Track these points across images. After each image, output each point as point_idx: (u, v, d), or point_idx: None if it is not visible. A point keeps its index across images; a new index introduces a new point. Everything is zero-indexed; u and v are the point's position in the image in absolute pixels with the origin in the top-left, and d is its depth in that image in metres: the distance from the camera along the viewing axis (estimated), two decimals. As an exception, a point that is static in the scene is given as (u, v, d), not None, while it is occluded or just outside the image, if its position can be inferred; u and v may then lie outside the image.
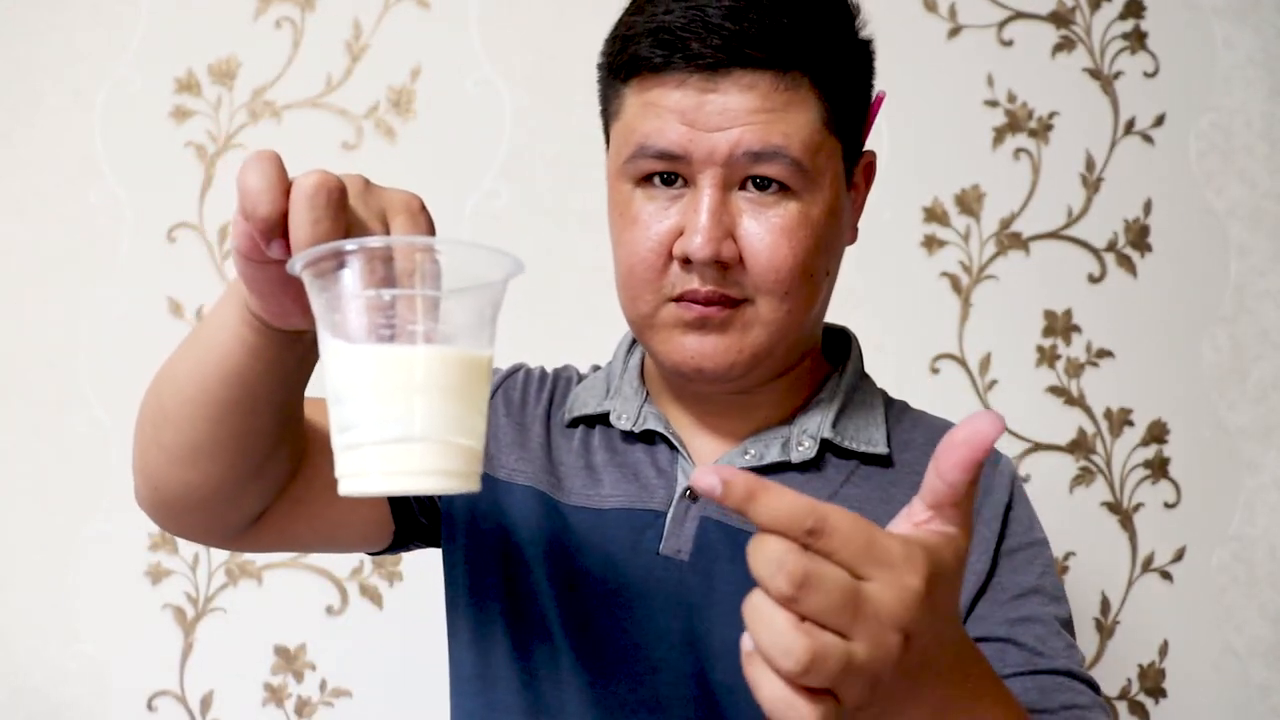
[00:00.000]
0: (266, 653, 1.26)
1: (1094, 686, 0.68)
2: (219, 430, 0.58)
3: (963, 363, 1.32)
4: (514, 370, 0.83)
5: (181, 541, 1.26)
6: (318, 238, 0.45)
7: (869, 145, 0.75)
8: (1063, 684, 0.67)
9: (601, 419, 0.77)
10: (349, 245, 0.43)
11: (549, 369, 0.85)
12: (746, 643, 0.40)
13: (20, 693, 1.25)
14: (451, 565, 0.77)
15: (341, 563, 1.27)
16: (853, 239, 0.75)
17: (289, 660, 1.26)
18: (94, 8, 1.30)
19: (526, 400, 0.81)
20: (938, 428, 0.77)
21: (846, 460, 0.73)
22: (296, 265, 0.45)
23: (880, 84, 0.74)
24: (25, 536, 1.26)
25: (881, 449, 0.72)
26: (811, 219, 0.66)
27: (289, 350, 0.55)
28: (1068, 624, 0.71)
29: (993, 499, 0.72)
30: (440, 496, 0.76)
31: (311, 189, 0.45)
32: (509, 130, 1.30)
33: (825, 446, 0.72)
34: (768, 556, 0.38)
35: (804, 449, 0.71)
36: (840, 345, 0.81)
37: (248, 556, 1.26)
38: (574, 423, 0.78)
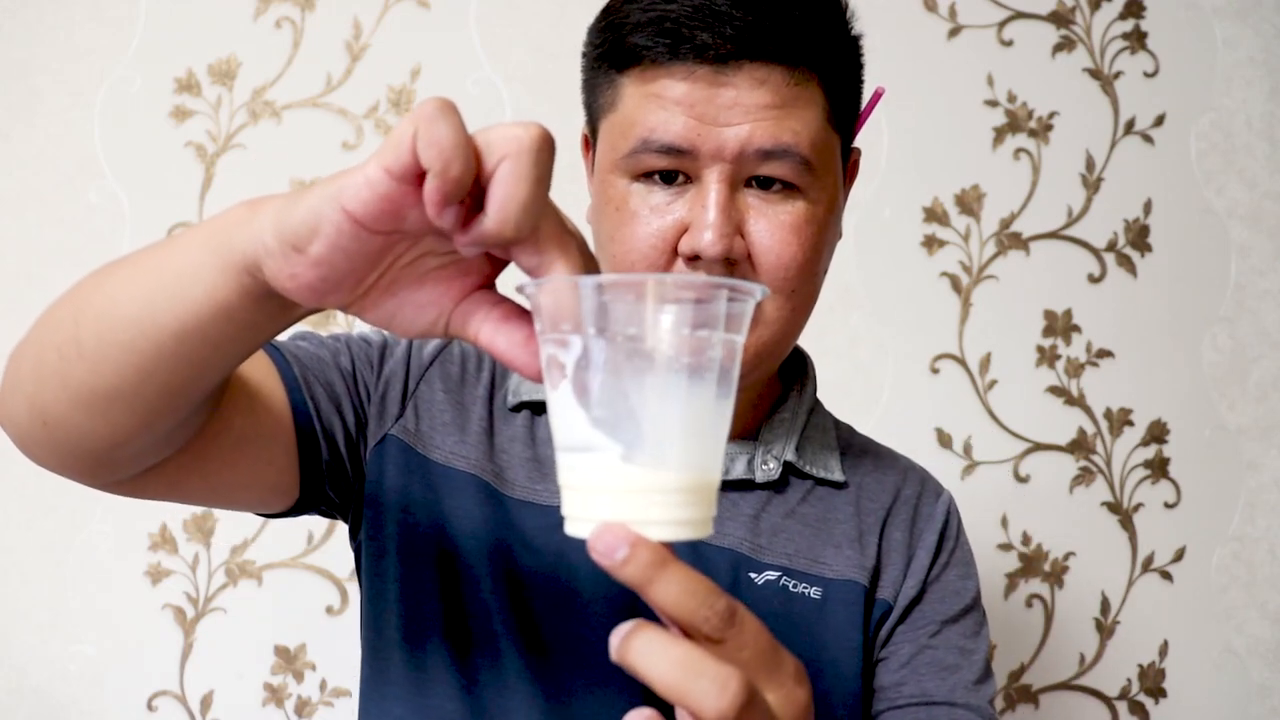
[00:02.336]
0: (266, 653, 1.26)
1: None
2: (149, 382, 0.48)
3: (963, 363, 1.32)
4: (446, 343, 0.76)
5: (181, 541, 1.26)
6: (539, 200, 0.38)
7: (859, 142, 0.75)
8: (959, 717, 0.69)
9: None
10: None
11: None
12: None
13: (20, 693, 1.25)
14: (378, 555, 0.70)
15: (341, 563, 1.27)
16: (840, 236, 0.74)
17: (289, 660, 1.26)
18: (94, 7, 1.30)
19: (465, 377, 0.74)
20: (882, 453, 0.81)
21: (804, 480, 0.74)
22: (593, 282, 0.38)
23: (880, 84, 0.74)
24: (25, 536, 1.26)
25: (838, 476, 0.75)
26: (817, 217, 0.66)
27: (277, 319, 0.47)
28: (983, 657, 0.73)
29: (932, 527, 0.75)
30: (368, 477, 0.70)
31: (540, 140, 0.38)
32: (509, 130, 1.30)
33: (786, 468, 0.73)
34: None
35: (769, 469, 0.72)
36: (794, 363, 0.80)
37: (248, 556, 1.26)
38: (518, 407, 0.73)
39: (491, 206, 0.38)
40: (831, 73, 0.65)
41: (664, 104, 0.62)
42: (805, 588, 0.69)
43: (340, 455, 0.68)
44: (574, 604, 0.67)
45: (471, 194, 0.39)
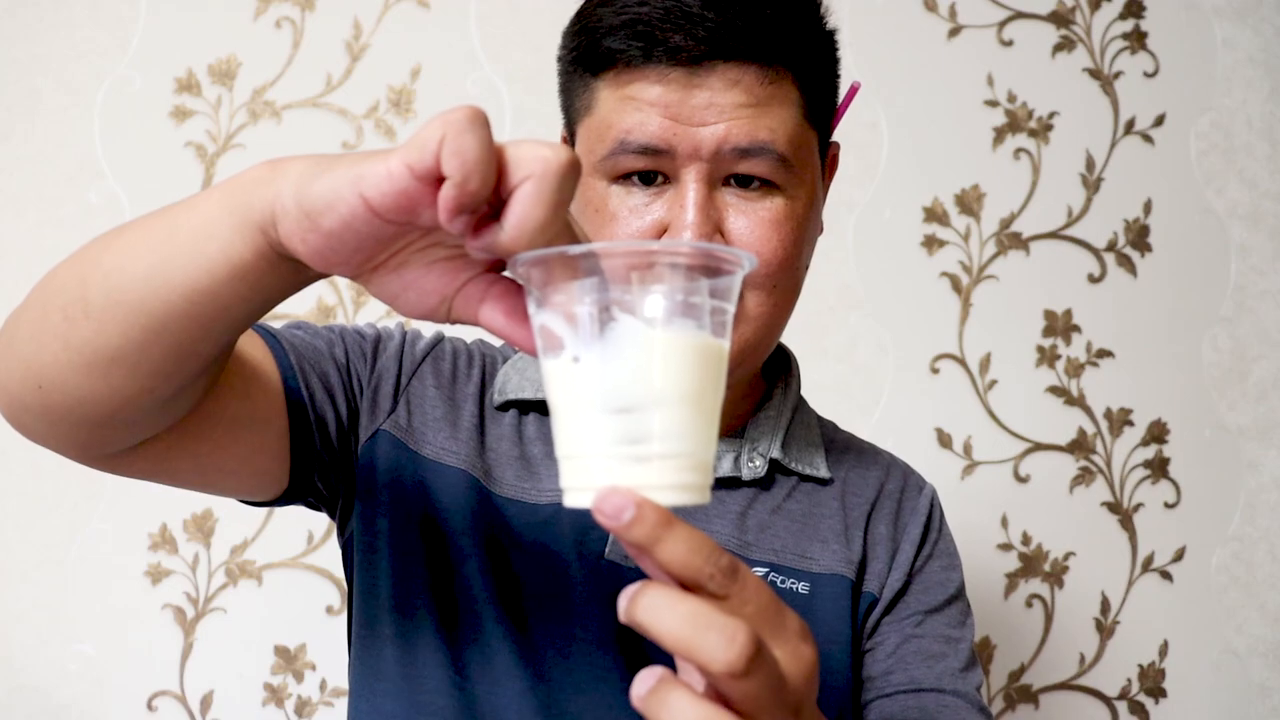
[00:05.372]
0: (266, 653, 1.26)
1: (984, 711, 0.70)
2: (155, 344, 0.48)
3: (963, 363, 1.32)
4: (438, 340, 0.77)
5: (181, 541, 1.26)
6: (556, 224, 0.39)
7: (837, 136, 0.75)
8: (948, 704, 0.69)
9: (537, 406, 0.73)
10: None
11: (468, 341, 0.79)
12: (641, 685, 0.38)
13: (20, 692, 1.25)
14: (369, 549, 0.70)
15: (341, 563, 1.27)
16: (820, 230, 0.74)
17: (289, 660, 1.26)
18: (94, 7, 1.30)
19: (457, 374, 0.75)
20: (865, 449, 0.81)
21: (789, 477, 0.75)
22: (590, 260, 0.39)
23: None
24: (25, 536, 1.26)
25: (824, 473, 0.75)
26: (796, 213, 0.66)
27: (288, 281, 0.47)
28: (968, 646, 0.73)
29: (916, 520, 0.76)
30: (358, 471, 0.70)
31: (567, 166, 0.39)
32: (509, 130, 1.30)
33: (772, 465, 0.74)
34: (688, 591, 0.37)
35: (755, 467, 0.73)
36: (778, 361, 0.81)
37: (248, 556, 1.26)
38: (504, 406, 0.74)
39: (509, 221, 0.39)
40: (806, 69, 0.65)
41: (639, 106, 0.63)
42: (793, 583, 0.70)
43: (331, 445, 0.68)
44: (562, 600, 0.68)
45: (489, 201, 0.39)
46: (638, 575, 0.68)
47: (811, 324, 1.28)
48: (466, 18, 1.31)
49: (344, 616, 1.26)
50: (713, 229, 0.63)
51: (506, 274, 0.45)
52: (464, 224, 0.39)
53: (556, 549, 0.69)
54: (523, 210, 0.38)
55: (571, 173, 0.39)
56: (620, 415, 0.39)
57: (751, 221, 0.64)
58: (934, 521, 0.77)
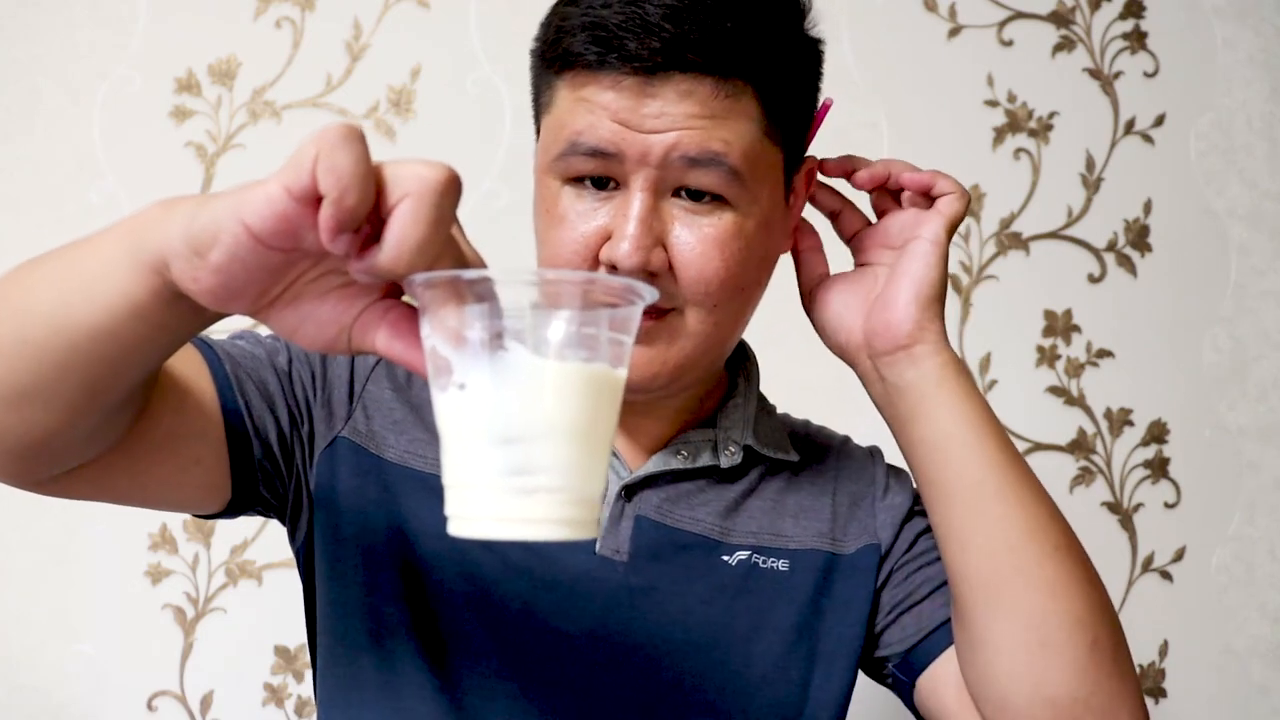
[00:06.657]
0: (266, 653, 1.26)
1: None
2: (64, 381, 0.47)
3: (963, 363, 1.32)
4: None
5: (181, 541, 1.26)
6: (435, 243, 0.39)
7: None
8: None
9: None
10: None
11: None
12: None
13: (19, 692, 1.25)
14: (336, 559, 0.69)
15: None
16: (788, 247, 0.73)
17: (289, 660, 1.26)
18: (94, 7, 1.30)
19: (412, 377, 0.73)
20: (811, 429, 0.83)
21: (760, 462, 0.76)
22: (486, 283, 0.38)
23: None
24: (25, 536, 1.26)
25: (793, 455, 0.76)
26: (745, 231, 0.64)
27: (190, 321, 0.47)
28: None
29: (873, 480, 0.78)
30: (318, 480, 0.69)
31: (445, 184, 0.38)
32: (509, 130, 1.30)
33: (746, 451, 0.74)
34: None
35: (732, 454, 0.73)
36: (736, 352, 0.79)
37: (248, 556, 1.26)
38: None
39: (388, 241, 0.38)
40: (769, 84, 0.63)
41: (592, 108, 0.61)
42: (773, 562, 0.72)
43: (274, 455, 0.67)
44: (551, 599, 0.68)
45: (372, 223, 0.39)
46: (629, 571, 0.69)
47: (811, 324, 1.28)
48: (466, 18, 1.31)
49: (344, 616, 1.26)
50: (654, 241, 0.62)
51: (404, 299, 0.44)
52: (346, 244, 0.39)
53: (543, 545, 0.68)
54: (400, 229, 0.38)
55: (450, 190, 0.39)
56: (506, 446, 0.39)
57: (696, 237, 0.63)
58: (893, 481, 0.79)
